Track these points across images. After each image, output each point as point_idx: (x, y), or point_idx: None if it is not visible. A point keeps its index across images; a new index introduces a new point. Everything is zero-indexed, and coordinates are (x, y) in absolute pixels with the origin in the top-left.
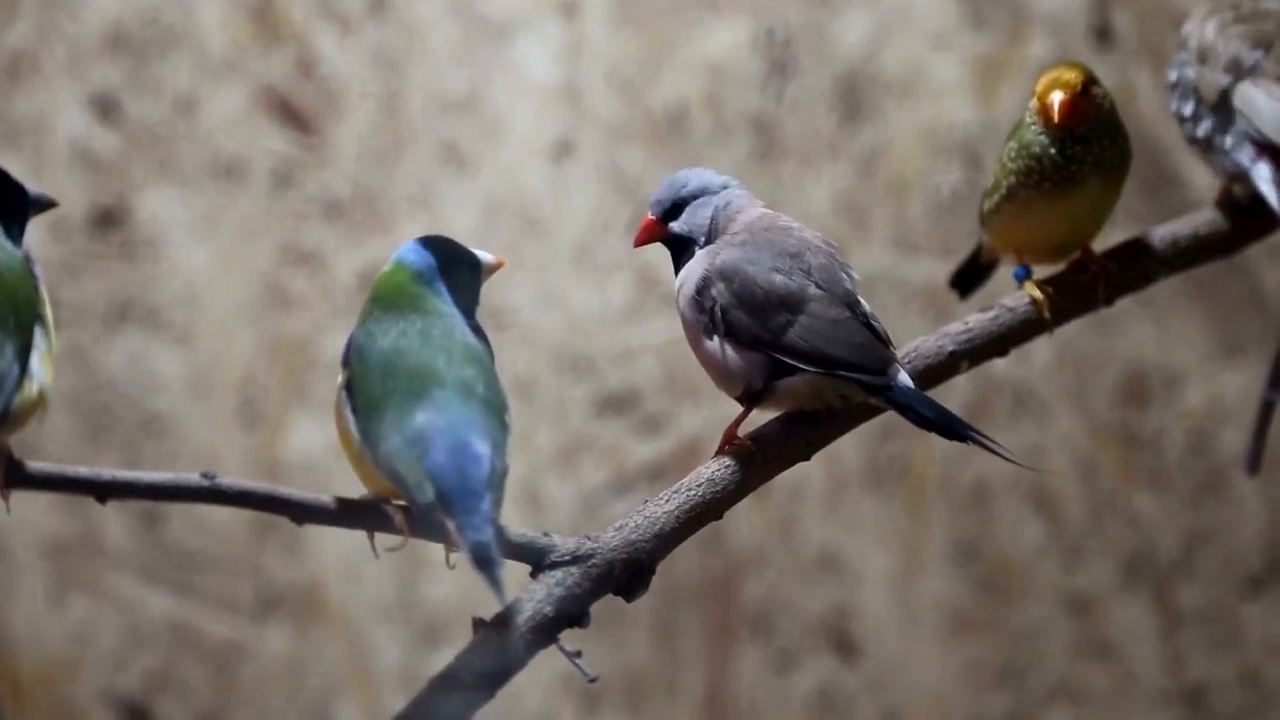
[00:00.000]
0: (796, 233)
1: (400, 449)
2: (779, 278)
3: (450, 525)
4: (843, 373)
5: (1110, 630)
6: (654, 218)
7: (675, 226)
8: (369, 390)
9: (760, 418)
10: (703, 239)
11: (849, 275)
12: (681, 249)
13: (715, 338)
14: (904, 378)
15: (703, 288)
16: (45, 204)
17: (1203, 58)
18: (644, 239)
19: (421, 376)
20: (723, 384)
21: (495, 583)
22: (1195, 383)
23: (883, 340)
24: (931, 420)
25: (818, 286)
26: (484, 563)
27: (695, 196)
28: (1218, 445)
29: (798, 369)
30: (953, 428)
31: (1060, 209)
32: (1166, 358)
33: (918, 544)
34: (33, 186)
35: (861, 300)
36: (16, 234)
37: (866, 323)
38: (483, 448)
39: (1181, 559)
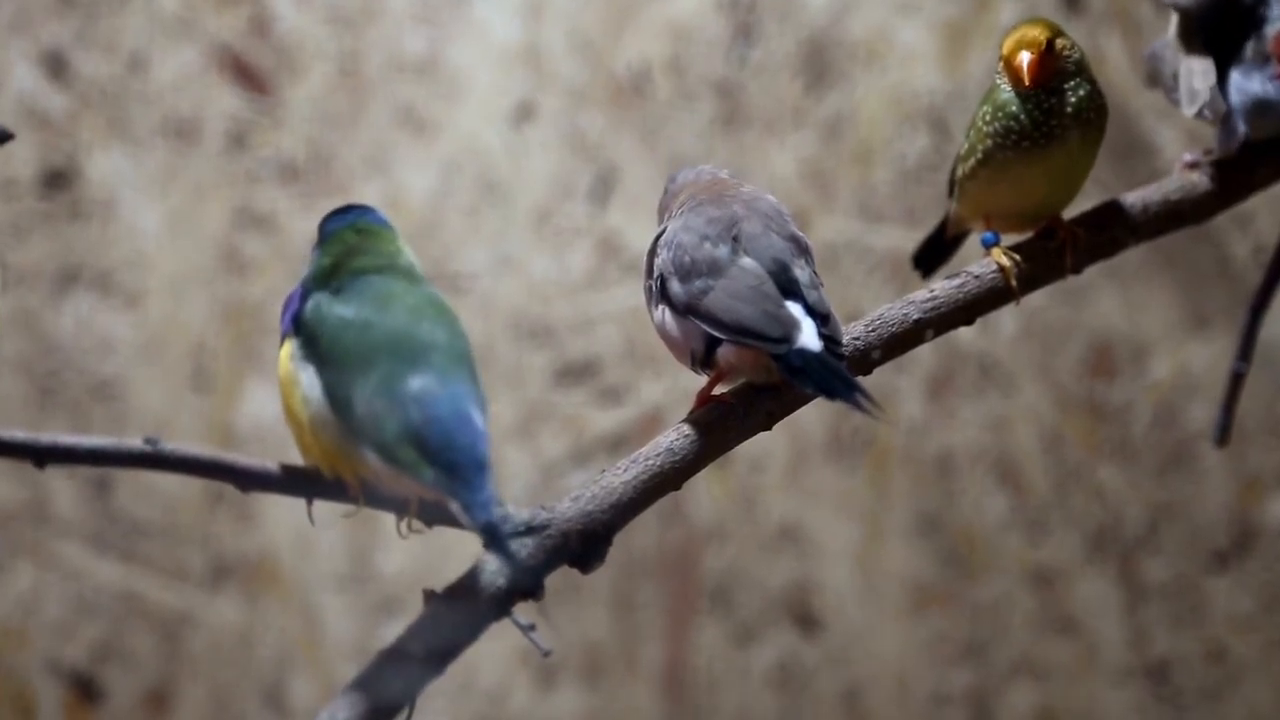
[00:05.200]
0: (738, 199)
1: (391, 416)
2: (706, 245)
3: (454, 505)
4: (748, 339)
5: (1074, 605)
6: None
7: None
8: (342, 350)
9: (725, 386)
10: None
11: (791, 243)
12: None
13: (660, 306)
14: (808, 343)
15: (650, 256)
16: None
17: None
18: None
19: (411, 338)
20: (672, 352)
21: (511, 559)
22: (1162, 354)
23: (810, 308)
24: (820, 385)
25: (744, 254)
26: (496, 544)
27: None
28: (1185, 417)
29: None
30: (837, 391)
31: (1040, 168)
32: (1133, 329)
33: (880, 517)
34: None
35: (797, 269)
36: None
37: (791, 290)
38: (479, 420)
39: (1147, 533)
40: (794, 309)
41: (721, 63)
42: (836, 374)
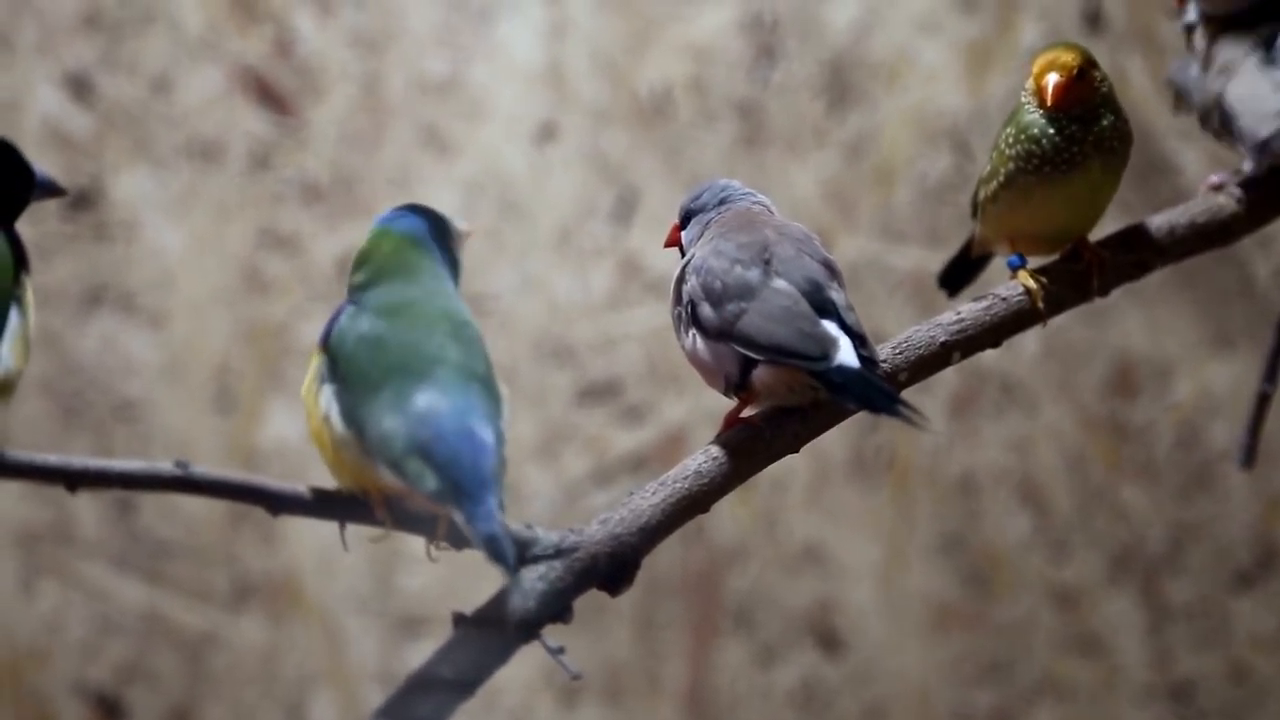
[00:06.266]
0: (769, 226)
1: (399, 433)
2: (738, 269)
3: (458, 518)
4: (786, 359)
5: (1097, 624)
6: (677, 223)
7: (684, 235)
8: (358, 368)
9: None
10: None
11: (824, 267)
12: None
13: (690, 331)
14: (847, 360)
15: (678, 283)
16: (51, 190)
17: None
18: (667, 243)
19: (421, 354)
20: (705, 378)
21: (512, 574)
22: (1185, 374)
23: (847, 328)
24: (864, 400)
25: (777, 276)
26: (498, 556)
27: (704, 209)
28: (1207, 438)
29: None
30: (881, 405)
31: (1061, 194)
32: (1156, 349)
33: (903, 537)
34: (42, 169)
35: (833, 291)
36: (9, 213)
37: (825, 310)
38: (487, 435)
39: (1170, 553)
40: (830, 327)
41: (743, 83)
42: (879, 389)
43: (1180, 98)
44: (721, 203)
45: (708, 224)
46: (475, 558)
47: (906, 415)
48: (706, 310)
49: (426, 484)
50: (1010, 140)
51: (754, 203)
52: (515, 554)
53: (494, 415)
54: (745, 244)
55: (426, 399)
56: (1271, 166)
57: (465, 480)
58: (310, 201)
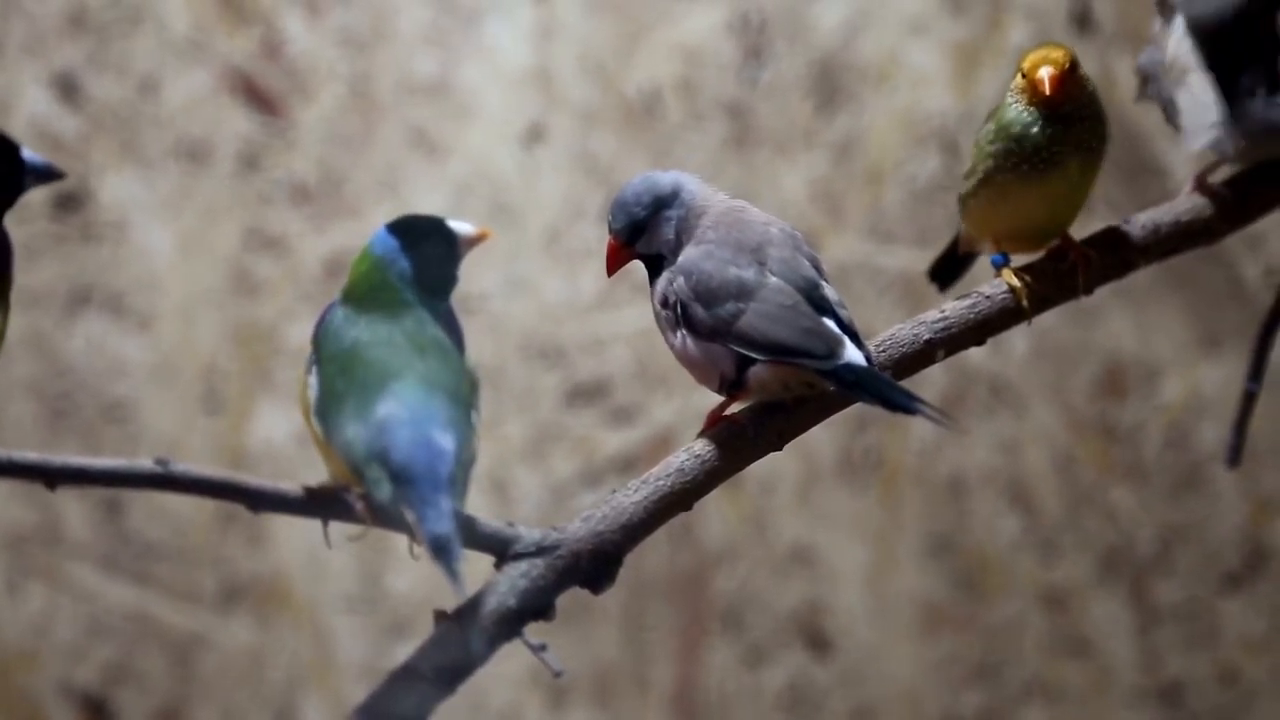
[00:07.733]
0: (760, 226)
1: (360, 441)
2: (733, 269)
3: (410, 518)
4: (790, 358)
5: (1086, 626)
6: (618, 243)
7: (641, 248)
8: (328, 377)
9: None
10: (670, 254)
11: (814, 265)
12: (655, 263)
13: (679, 332)
14: (854, 357)
15: (667, 285)
16: (49, 175)
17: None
18: (614, 265)
19: (382, 371)
20: (698, 378)
21: (454, 576)
22: (1174, 375)
23: (844, 326)
24: (881, 397)
25: (773, 275)
26: (442, 556)
27: (653, 214)
28: (1197, 439)
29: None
30: (900, 402)
31: (1039, 192)
32: (1145, 349)
33: (891, 538)
34: (35, 155)
35: (826, 288)
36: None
37: (823, 308)
38: (446, 441)
39: (1159, 554)
40: (831, 325)
41: (732, 84)
42: (892, 385)
43: (1146, 82)
44: (678, 203)
45: (689, 227)
46: (467, 557)
47: (926, 412)
48: (699, 311)
49: (383, 490)
50: (990, 138)
51: (723, 197)
52: (462, 558)
53: (458, 423)
54: (738, 243)
55: (386, 409)
56: (1257, 165)
57: (420, 484)
58: (299, 202)
